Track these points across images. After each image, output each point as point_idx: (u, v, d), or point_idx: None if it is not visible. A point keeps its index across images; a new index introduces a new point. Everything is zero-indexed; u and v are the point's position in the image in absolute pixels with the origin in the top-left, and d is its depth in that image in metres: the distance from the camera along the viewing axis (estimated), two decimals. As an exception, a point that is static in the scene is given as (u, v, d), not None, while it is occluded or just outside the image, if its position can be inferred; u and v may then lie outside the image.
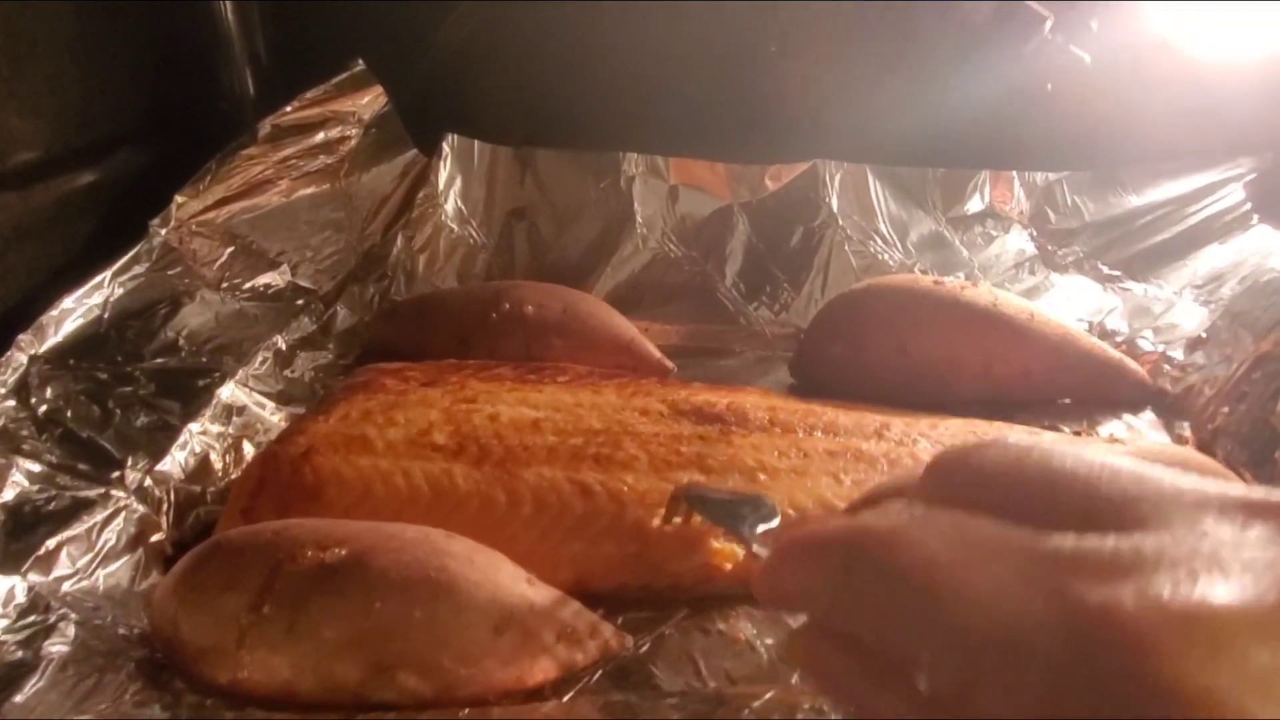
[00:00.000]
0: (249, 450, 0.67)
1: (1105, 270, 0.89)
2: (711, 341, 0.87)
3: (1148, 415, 0.72)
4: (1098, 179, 0.94)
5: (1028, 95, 0.92)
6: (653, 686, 0.46)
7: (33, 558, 0.49)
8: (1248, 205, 0.89)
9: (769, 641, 0.49)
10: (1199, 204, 0.91)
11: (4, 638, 0.44)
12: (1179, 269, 0.86)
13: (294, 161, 0.88)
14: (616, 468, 0.58)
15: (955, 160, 0.93)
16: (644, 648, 0.49)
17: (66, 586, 0.50)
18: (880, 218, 0.91)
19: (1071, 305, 0.85)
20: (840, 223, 0.90)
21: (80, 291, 0.71)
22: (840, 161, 0.92)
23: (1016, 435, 0.25)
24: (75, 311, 0.70)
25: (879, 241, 0.90)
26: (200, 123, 0.93)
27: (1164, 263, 0.88)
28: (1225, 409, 0.66)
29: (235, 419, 0.69)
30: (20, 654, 0.43)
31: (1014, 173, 0.94)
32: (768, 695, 0.42)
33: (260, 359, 0.75)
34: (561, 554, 0.54)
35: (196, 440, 0.65)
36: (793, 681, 0.45)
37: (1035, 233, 0.93)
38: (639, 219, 0.91)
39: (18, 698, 0.41)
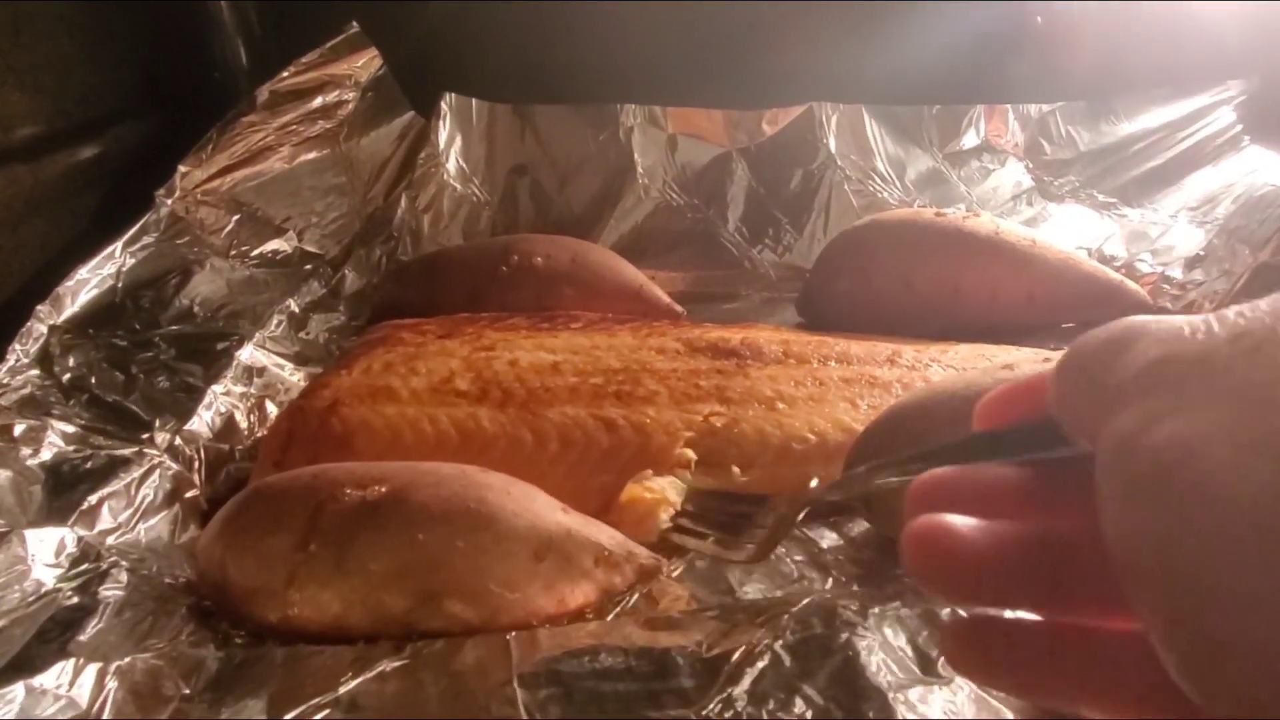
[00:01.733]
0: (272, 409, 0.68)
1: (1101, 198, 0.90)
2: (718, 286, 0.88)
3: (1150, 334, 0.73)
4: (1090, 108, 0.95)
5: (1019, 28, 0.92)
6: (690, 603, 0.48)
7: (77, 512, 0.50)
8: (1238, 127, 0.90)
9: (798, 558, 0.51)
10: (1190, 128, 0.92)
11: (60, 585, 0.45)
12: (1173, 193, 0.88)
13: (294, 127, 0.88)
14: (638, 403, 0.59)
15: (949, 96, 0.94)
16: (677, 571, 0.51)
17: (111, 540, 0.51)
18: (878, 157, 0.92)
19: (1070, 234, 0.86)
20: (839, 163, 0.91)
21: (93, 262, 0.72)
22: (836, 103, 0.93)
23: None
24: (90, 282, 0.71)
25: (877, 180, 0.91)
26: (196, 93, 0.93)
27: (1158, 188, 0.89)
28: (1226, 321, 0.67)
29: (256, 380, 0.70)
30: (77, 599, 0.44)
31: (1008, 106, 0.95)
32: (805, 601, 0.43)
33: (275, 322, 0.76)
34: (590, 486, 0.56)
35: (221, 401, 0.66)
36: (827, 588, 0.47)
37: (1031, 164, 0.94)
38: (640, 169, 0.92)
39: (81, 637, 0.42)
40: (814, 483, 0.36)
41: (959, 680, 0.36)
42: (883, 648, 0.39)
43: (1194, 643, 0.18)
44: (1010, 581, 0.24)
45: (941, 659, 0.38)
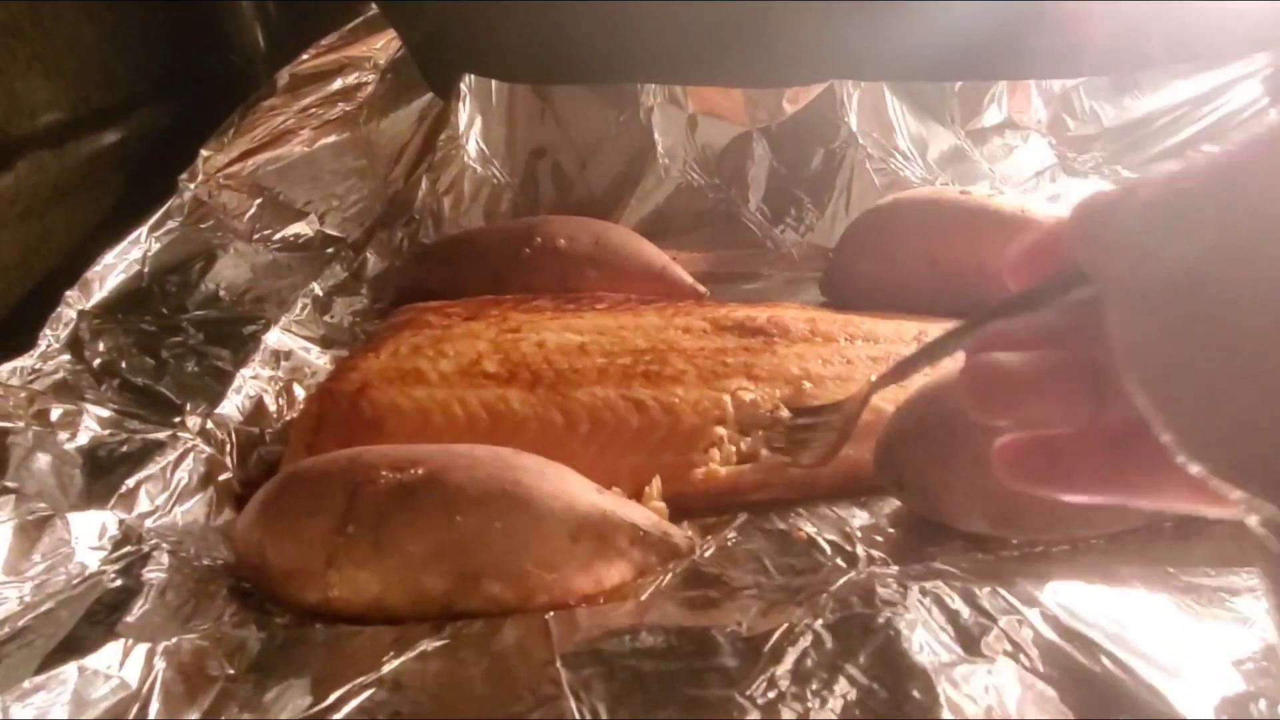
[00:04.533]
0: (300, 392, 0.68)
1: (1125, 174, 0.90)
2: (740, 266, 0.87)
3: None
4: (1114, 83, 0.94)
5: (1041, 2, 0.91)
6: (724, 583, 0.48)
7: (116, 495, 0.51)
8: (1264, 101, 0.89)
9: (830, 538, 0.51)
10: (1215, 102, 0.91)
11: (104, 567, 0.46)
12: (1199, 168, 0.87)
13: (314, 110, 0.88)
14: (666, 382, 0.59)
15: (972, 72, 0.93)
16: (709, 551, 0.51)
17: (150, 522, 0.51)
18: (900, 135, 0.91)
19: (1094, 210, 0.86)
20: (860, 142, 0.91)
21: (119, 248, 0.72)
22: (857, 81, 0.92)
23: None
24: (117, 267, 0.71)
25: (899, 158, 0.91)
26: (214, 78, 0.93)
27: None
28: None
29: (284, 363, 0.70)
30: (121, 581, 0.45)
31: (1031, 82, 0.94)
32: (842, 580, 0.44)
33: (300, 306, 0.76)
34: (621, 467, 0.56)
35: (249, 385, 0.66)
36: (859, 566, 0.47)
37: (1054, 140, 0.93)
38: (660, 150, 0.91)
39: (128, 618, 0.42)
40: (872, 378, 0.41)
41: (1001, 659, 0.37)
42: (924, 626, 0.39)
43: (1196, 418, 0.22)
44: (1053, 400, 0.28)
45: (985, 638, 0.38)
